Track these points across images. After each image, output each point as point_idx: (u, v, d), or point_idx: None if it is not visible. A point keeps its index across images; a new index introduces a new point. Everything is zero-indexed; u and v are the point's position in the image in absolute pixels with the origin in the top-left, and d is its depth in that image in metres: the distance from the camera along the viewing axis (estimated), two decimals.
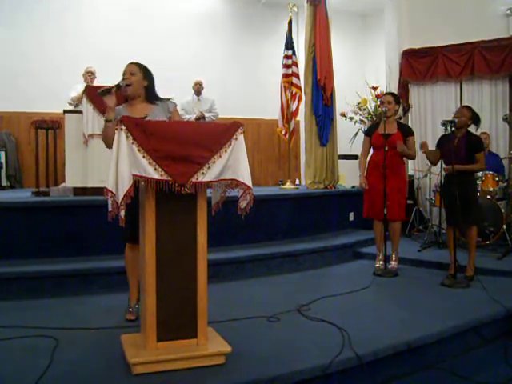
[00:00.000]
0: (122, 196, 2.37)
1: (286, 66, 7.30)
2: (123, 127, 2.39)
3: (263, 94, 8.44)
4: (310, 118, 6.78)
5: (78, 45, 7.61)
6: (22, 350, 2.71)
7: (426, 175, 6.39)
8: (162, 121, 3.05)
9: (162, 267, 2.52)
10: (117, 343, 2.68)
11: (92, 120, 5.14)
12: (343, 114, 7.56)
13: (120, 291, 3.65)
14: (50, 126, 5.74)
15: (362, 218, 5.29)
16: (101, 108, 4.95)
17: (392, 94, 5.09)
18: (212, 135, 2.54)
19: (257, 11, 9.18)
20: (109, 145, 2.92)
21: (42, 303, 3.64)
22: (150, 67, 3.24)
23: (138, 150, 2.39)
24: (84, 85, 6.09)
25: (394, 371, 2.85)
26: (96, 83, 6.15)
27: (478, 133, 4.83)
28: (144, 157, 2.39)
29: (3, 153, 7.28)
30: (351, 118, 7.63)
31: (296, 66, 7.31)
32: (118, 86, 3.04)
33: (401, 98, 6.24)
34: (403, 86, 7.08)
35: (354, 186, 6.78)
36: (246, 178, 2.56)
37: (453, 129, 4.30)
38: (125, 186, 2.37)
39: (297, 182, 8.16)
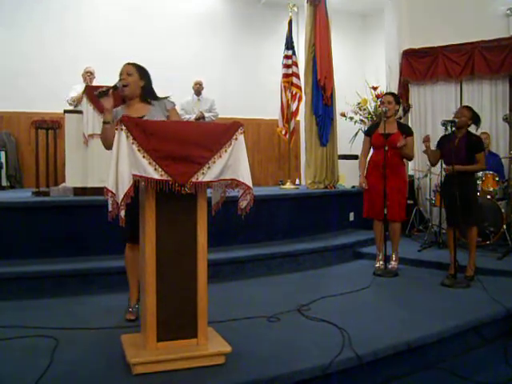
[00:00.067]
0: (122, 196, 2.37)
1: (286, 66, 7.30)
2: (123, 127, 2.39)
3: (263, 94, 8.44)
4: (310, 118, 6.78)
5: (77, 45, 7.61)
6: (22, 350, 2.71)
7: (426, 175, 6.39)
8: (162, 121, 3.05)
9: (162, 267, 2.52)
10: (117, 343, 2.68)
11: (92, 120, 5.14)
12: (343, 114, 7.56)
13: (120, 291, 3.65)
14: (50, 126, 5.74)
15: (362, 218, 5.30)
16: (101, 108, 4.92)
17: (392, 93, 5.09)
18: (212, 135, 2.54)
19: (257, 11, 9.18)
20: (107, 146, 2.92)
21: (42, 303, 3.64)
22: (150, 67, 3.24)
23: (138, 150, 2.39)
24: (83, 85, 6.09)
25: (394, 371, 2.85)
26: (95, 83, 6.15)
27: (478, 133, 4.83)
28: (144, 157, 2.39)
29: (3, 153, 7.28)
30: (351, 118, 7.63)
31: (296, 65, 7.31)
32: (115, 87, 3.05)
33: (401, 97, 6.24)
34: (403, 86, 7.08)
35: (354, 186, 6.78)
36: (246, 177, 2.56)
37: (453, 129, 4.30)
38: (125, 185, 2.37)
39: (297, 181, 8.16)
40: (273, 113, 7.82)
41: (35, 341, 2.85)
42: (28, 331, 2.98)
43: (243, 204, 2.61)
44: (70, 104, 5.93)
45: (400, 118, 6.07)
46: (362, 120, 7.57)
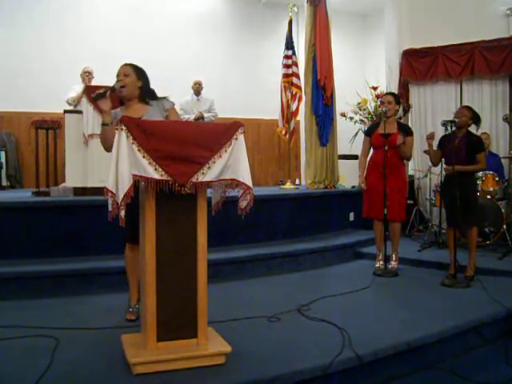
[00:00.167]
0: (122, 196, 2.37)
1: (286, 66, 7.30)
2: (123, 127, 2.40)
3: (263, 94, 8.43)
4: (310, 118, 6.78)
5: (77, 45, 7.61)
6: (22, 350, 2.71)
7: (426, 175, 6.39)
8: (162, 121, 3.05)
9: (162, 267, 2.52)
10: (117, 343, 2.68)
11: (92, 120, 5.15)
12: (343, 114, 7.56)
13: (120, 291, 3.65)
14: (50, 126, 5.74)
15: (362, 218, 5.29)
16: (101, 109, 4.95)
17: (392, 94, 5.09)
18: (212, 135, 2.54)
19: (257, 11, 9.18)
20: (107, 148, 2.92)
21: (42, 303, 3.64)
22: (149, 67, 3.24)
23: (138, 150, 2.39)
24: (82, 85, 6.10)
25: (394, 371, 2.85)
26: (94, 83, 6.14)
27: (478, 133, 4.83)
28: (144, 157, 2.39)
29: (3, 153, 7.28)
30: (351, 118, 7.63)
31: (296, 65, 7.31)
32: (112, 89, 3.05)
33: (401, 97, 6.23)
34: (403, 86, 7.08)
35: (354, 186, 6.78)
36: (246, 177, 2.55)
37: (453, 129, 4.30)
38: (125, 185, 2.37)
39: (297, 181, 8.16)
40: (273, 113, 7.82)
41: (35, 341, 2.85)
42: (28, 331, 2.98)
43: (243, 204, 2.61)
44: (70, 104, 5.93)
45: (400, 118, 6.06)
46: (362, 120, 7.57)
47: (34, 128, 5.72)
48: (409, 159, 5.22)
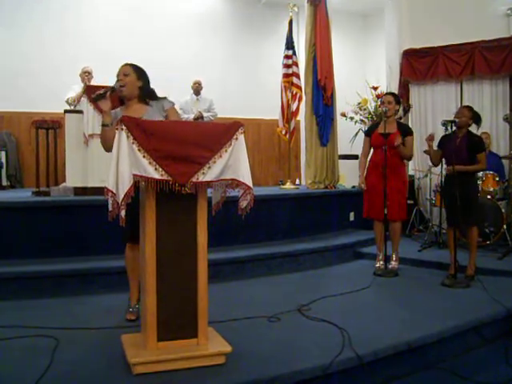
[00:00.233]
0: (123, 196, 2.37)
1: (287, 66, 7.30)
2: (124, 127, 2.40)
3: (263, 94, 8.43)
4: (310, 118, 6.78)
5: (77, 45, 7.61)
6: (22, 350, 2.71)
7: (426, 175, 6.39)
8: (163, 121, 3.05)
9: (162, 267, 2.52)
10: (117, 343, 2.68)
11: (92, 120, 5.15)
12: (343, 114, 7.55)
13: (120, 291, 3.65)
14: (51, 126, 5.74)
15: (362, 218, 5.29)
16: (101, 109, 4.95)
17: (392, 93, 5.09)
18: (212, 135, 2.53)
19: (257, 11, 9.18)
20: (107, 148, 2.92)
21: (42, 303, 3.64)
22: (149, 67, 3.24)
23: (139, 150, 2.39)
24: (81, 85, 6.10)
25: (394, 371, 2.85)
26: (93, 83, 6.13)
27: (478, 132, 4.83)
28: (144, 157, 2.39)
29: (4, 152, 7.28)
30: (351, 118, 7.62)
31: (296, 65, 7.30)
32: (112, 89, 3.05)
33: (401, 97, 6.24)
34: (404, 86, 7.08)
35: (354, 186, 6.78)
36: (246, 177, 2.55)
37: (453, 129, 4.30)
38: (125, 185, 2.37)
39: (297, 181, 8.16)
40: (273, 113, 7.81)
41: (35, 341, 2.85)
42: (28, 331, 2.98)
43: (243, 204, 2.60)
44: (70, 104, 5.94)
45: (400, 118, 6.06)
46: (362, 120, 7.56)
47: (34, 128, 5.73)
48: (410, 159, 5.22)
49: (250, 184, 2.57)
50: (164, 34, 8.21)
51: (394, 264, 4.82)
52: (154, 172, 2.40)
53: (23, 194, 5.47)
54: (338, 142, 7.00)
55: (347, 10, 9.34)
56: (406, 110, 6.97)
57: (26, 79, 7.28)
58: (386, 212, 4.63)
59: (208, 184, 2.53)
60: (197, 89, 7.32)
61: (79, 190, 5.10)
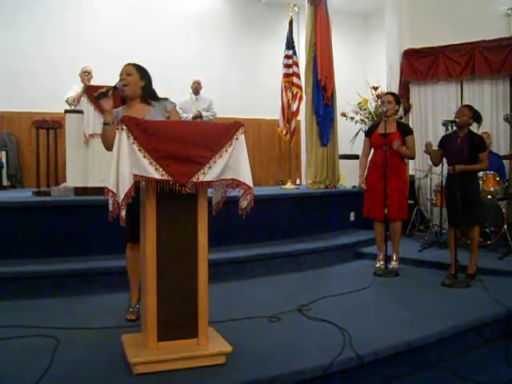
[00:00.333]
0: (123, 196, 2.37)
1: (287, 66, 7.30)
2: (124, 127, 2.39)
3: (264, 94, 8.43)
4: (310, 118, 6.78)
5: (77, 45, 7.62)
6: (22, 350, 2.71)
7: (426, 175, 6.39)
8: (163, 120, 3.05)
9: (162, 267, 2.52)
10: (117, 343, 2.68)
11: (93, 120, 5.15)
12: (344, 114, 7.55)
13: (120, 291, 3.65)
14: (51, 126, 5.74)
15: (362, 218, 5.29)
16: (101, 108, 4.94)
17: (392, 93, 5.09)
18: (213, 135, 2.53)
19: (257, 11, 9.18)
20: (108, 147, 2.92)
21: (43, 303, 3.64)
22: (150, 67, 3.23)
23: (139, 150, 2.39)
24: (81, 85, 6.10)
25: (394, 371, 2.85)
26: (93, 83, 6.13)
27: (479, 132, 4.83)
28: (145, 156, 2.39)
29: (4, 152, 7.28)
30: (352, 118, 7.62)
31: (297, 65, 7.30)
32: (114, 88, 3.04)
33: (402, 97, 6.24)
34: (404, 86, 7.08)
35: (354, 186, 6.78)
36: (246, 177, 2.55)
37: (454, 129, 4.29)
38: (125, 185, 2.37)
39: (297, 181, 8.16)
40: (273, 113, 7.81)
41: (35, 341, 2.85)
42: (28, 331, 2.98)
43: (244, 204, 2.60)
44: (70, 104, 5.93)
45: (401, 118, 6.06)
46: (362, 120, 7.56)
47: (34, 128, 5.73)
48: (413, 158, 5.20)
49: (251, 184, 2.57)
50: (164, 34, 8.21)
51: (394, 264, 4.82)
52: (154, 172, 2.40)
53: (24, 194, 5.48)
54: (339, 142, 7.00)
55: (347, 9, 9.34)
56: (407, 110, 6.98)
57: (26, 79, 7.28)
58: (386, 212, 4.63)
59: (208, 184, 2.53)
60: (196, 88, 7.32)
61: (79, 190, 5.11)
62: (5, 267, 3.91)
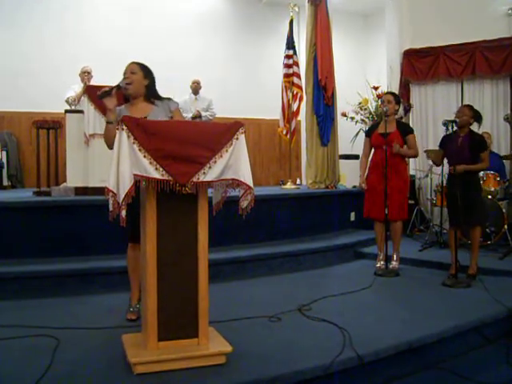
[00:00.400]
0: (123, 196, 2.37)
1: (287, 66, 7.29)
2: (124, 127, 2.39)
3: (264, 94, 8.43)
4: (311, 118, 6.78)
5: (78, 45, 7.62)
6: (23, 350, 2.71)
7: (427, 175, 6.39)
8: (163, 120, 3.04)
9: (162, 267, 2.52)
10: (118, 343, 2.68)
11: (93, 120, 5.14)
12: (344, 114, 7.55)
13: (121, 291, 3.65)
14: (51, 126, 5.74)
15: (363, 218, 5.28)
16: (102, 108, 4.95)
17: (392, 93, 5.10)
18: (213, 135, 2.53)
19: (258, 11, 9.18)
20: (110, 146, 2.91)
21: (43, 303, 3.64)
22: (150, 67, 3.24)
23: (139, 150, 2.39)
24: (81, 85, 6.09)
25: (395, 371, 2.85)
26: (93, 83, 6.12)
27: (479, 132, 4.82)
28: (145, 156, 2.39)
29: (4, 152, 7.28)
30: (352, 118, 7.62)
31: (297, 65, 7.30)
32: (118, 87, 3.04)
33: (402, 97, 6.24)
34: (404, 86, 7.08)
35: (355, 186, 6.77)
36: (247, 177, 2.55)
37: (455, 128, 4.29)
38: (126, 185, 2.37)
39: (298, 181, 8.17)
40: (274, 113, 7.82)
41: (36, 340, 2.85)
42: (28, 331, 2.97)
43: (244, 204, 2.60)
44: (70, 104, 5.93)
45: (401, 118, 6.06)
46: (363, 120, 7.56)
47: (35, 128, 5.73)
48: (417, 156, 5.18)
49: (251, 184, 2.57)
50: (164, 34, 8.22)
51: (394, 264, 4.81)
52: (154, 172, 2.39)
53: (24, 194, 5.47)
54: (339, 142, 7.00)
55: (348, 9, 9.34)
56: (407, 110, 6.98)
57: (27, 79, 7.28)
58: (386, 212, 4.63)
59: (209, 184, 2.52)
60: (195, 88, 7.32)
61: (80, 190, 5.10)
62: (5, 267, 3.91)
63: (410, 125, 6.39)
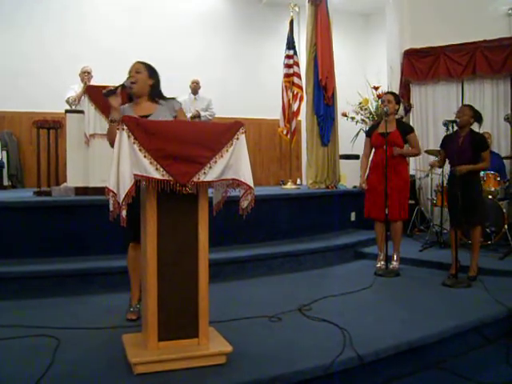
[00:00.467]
0: (124, 196, 2.37)
1: (288, 66, 7.29)
2: (124, 127, 2.39)
3: (264, 94, 8.43)
4: (311, 118, 6.79)
5: (78, 44, 7.63)
6: (23, 350, 2.71)
7: (427, 175, 6.38)
8: (164, 120, 3.04)
9: (163, 267, 2.52)
10: (118, 343, 2.68)
11: (94, 120, 5.14)
12: (344, 114, 7.55)
13: (121, 291, 3.65)
14: (52, 126, 5.75)
15: (363, 218, 5.28)
16: (102, 108, 4.96)
17: (392, 93, 5.10)
18: (213, 135, 2.53)
19: (258, 11, 9.19)
20: (113, 144, 2.91)
21: (43, 303, 3.64)
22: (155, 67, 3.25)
23: (140, 150, 2.39)
24: (81, 85, 6.10)
25: (395, 371, 2.85)
26: (93, 82, 6.13)
27: (480, 131, 4.82)
28: (145, 156, 2.39)
29: (5, 152, 7.29)
30: (353, 118, 7.62)
31: (297, 65, 7.30)
32: (122, 86, 3.05)
33: (402, 97, 6.24)
34: (405, 86, 7.08)
35: (355, 186, 6.77)
36: (247, 177, 2.55)
37: (455, 128, 4.29)
38: (126, 185, 2.37)
39: (298, 181, 8.17)
40: (274, 113, 7.82)
41: (36, 340, 2.85)
42: (29, 331, 2.97)
43: (244, 204, 2.60)
44: (70, 104, 5.94)
45: (401, 118, 6.06)
46: (363, 120, 7.56)
47: (35, 128, 5.74)
48: (419, 155, 5.18)
49: (251, 184, 2.57)
50: (164, 34, 8.22)
51: (394, 264, 4.81)
52: (154, 172, 2.39)
53: (24, 194, 5.47)
54: (339, 142, 7.00)
55: (348, 9, 9.34)
56: (407, 110, 6.98)
57: (27, 79, 7.29)
58: (387, 212, 4.62)
59: (209, 184, 2.52)
60: (195, 88, 7.32)
61: (80, 190, 5.10)
62: (5, 267, 3.91)
63: (411, 125, 6.39)
